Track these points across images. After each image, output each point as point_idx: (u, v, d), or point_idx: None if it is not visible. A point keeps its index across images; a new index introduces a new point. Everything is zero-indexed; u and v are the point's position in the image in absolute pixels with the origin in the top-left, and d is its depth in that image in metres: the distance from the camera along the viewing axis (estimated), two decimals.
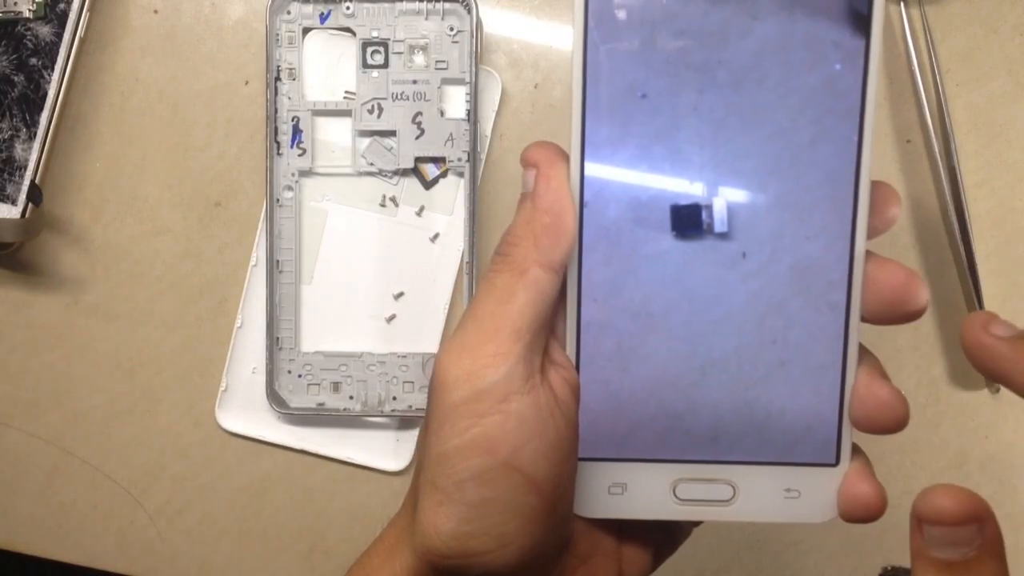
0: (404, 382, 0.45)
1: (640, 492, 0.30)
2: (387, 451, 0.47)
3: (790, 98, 0.27)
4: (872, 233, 0.28)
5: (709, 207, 0.28)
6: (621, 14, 0.27)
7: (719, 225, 0.28)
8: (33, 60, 0.43)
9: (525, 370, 0.27)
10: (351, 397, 0.45)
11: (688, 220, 0.28)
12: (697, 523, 0.33)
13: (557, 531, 0.29)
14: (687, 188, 0.28)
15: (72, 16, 0.43)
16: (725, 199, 0.28)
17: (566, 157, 0.28)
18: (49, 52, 0.43)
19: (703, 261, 0.28)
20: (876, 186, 0.28)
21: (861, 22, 0.27)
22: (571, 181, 0.28)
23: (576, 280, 0.29)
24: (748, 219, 0.28)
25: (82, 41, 0.44)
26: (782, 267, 0.28)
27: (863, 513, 0.29)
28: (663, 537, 0.33)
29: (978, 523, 0.24)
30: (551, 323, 0.29)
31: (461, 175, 0.45)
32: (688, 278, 0.28)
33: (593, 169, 0.28)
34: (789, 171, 0.28)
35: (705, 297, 0.28)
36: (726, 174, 0.28)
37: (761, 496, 0.29)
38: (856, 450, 0.30)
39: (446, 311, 0.45)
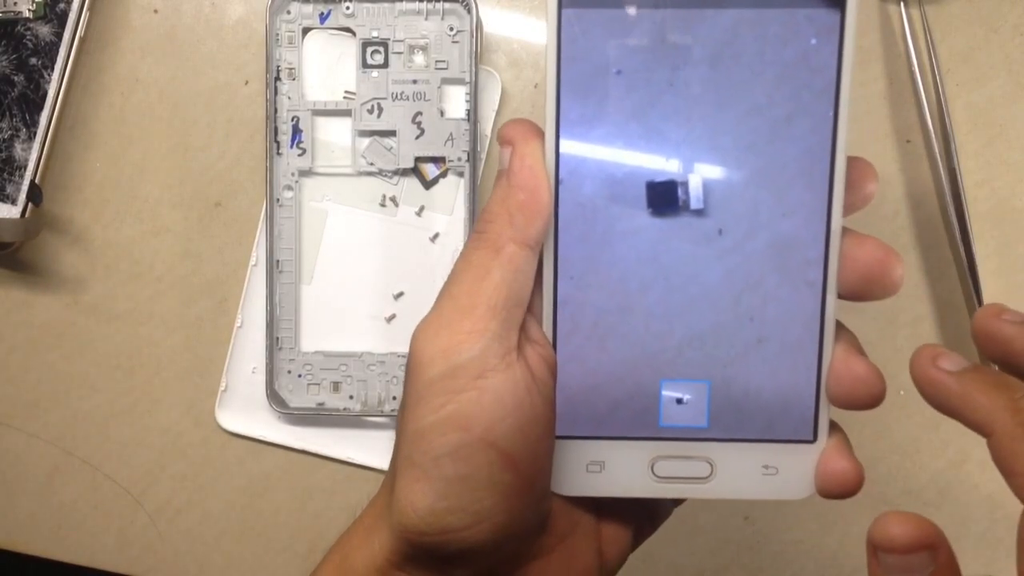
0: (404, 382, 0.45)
1: (618, 470, 0.29)
2: (387, 451, 0.46)
3: (766, 74, 0.27)
4: (849, 210, 0.28)
5: (685, 184, 0.28)
6: None
7: (695, 202, 0.28)
8: (33, 60, 0.43)
9: (501, 347, 0.27)
10: (351, 397, 0.45)
11: (664, 197, 0.28)
12: (678, 502, 0.33)
13: (534, 508, 0.29)
14: (663, 165, 0.28)
15: (72, 16, 0.43)
16: (701, 176, 0.28)
17: (541, 134, 0.28)
18: (49, 52, 0.43)
19: (679, 238, 0.28)
20: (853, 162, 0.28)
21: None
22: (546, 158, 0.28)
23: (552, 257, 0.28)
24: (724, 196, 0.28)
25: (82, 41, 0.44)
26: (759, 244, 0.28)
27: (840, 489, 0.29)
28: (643, 516, 0.32)
29: (930, 549, 0.24)
30: (527, 300, 0.28)
31: (461, 175, 0.45)
32: (664, 255, 0.28)
33: (568, 146, 0.28)
34: (765, 147, 0.28)
35: (682, 274, 0.28)
36: (702, 151, 0.28)
37: (739, 473, 0.29)
38: (834, 427, 0.29)
39: None
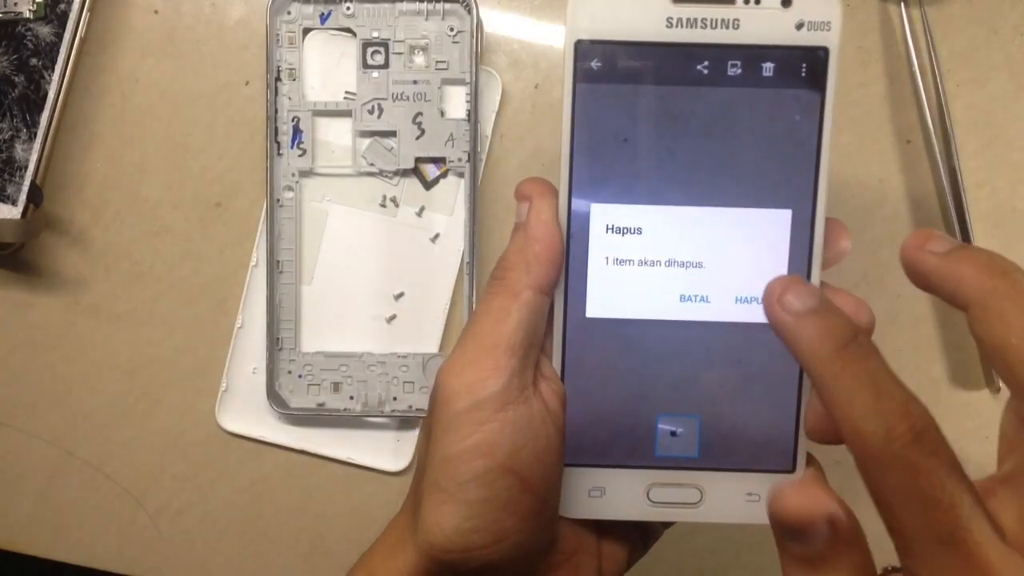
0: (404, 382, 0.45)
1: (617, 495, 0.32)
2: (387, 451, 0.47)
3: (755, 145, 0.30)
4: (826, 264, 0.31)
5: None
6: (605, 67, 0.30)
7: None
8: (33, 60, 0.43)
9: (520, 382, 0.30)
10: (351, 397, 0.45)
11: None
12: (669, 524, 0.36)
13: (546, 529, 0.31)
14: None
15: (72, 16, 0.43)
16: None
17: (555, 192, 0.31)
18: (49, 52, 0.43)
19: None
20: (829, 222, 0.31)
21: (818, 79, 0.30)
22: (559, 214, 0.31)
23: (563, 303, 0.31)
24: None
25: (82, 41, 0.44)
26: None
27: None
28: (637, 536, 0.35)
29: (826, 519, 0.26)
30: (542, 340, 0.31)
31: (461, 175, 0.45)
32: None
33: (579, 204, 0.31)
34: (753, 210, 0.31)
35: (678, 320, 0.31)
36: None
37: (725, 499, 0.32)
38: (811, 459, 0.32)
39: (446, 311, 0.45)
